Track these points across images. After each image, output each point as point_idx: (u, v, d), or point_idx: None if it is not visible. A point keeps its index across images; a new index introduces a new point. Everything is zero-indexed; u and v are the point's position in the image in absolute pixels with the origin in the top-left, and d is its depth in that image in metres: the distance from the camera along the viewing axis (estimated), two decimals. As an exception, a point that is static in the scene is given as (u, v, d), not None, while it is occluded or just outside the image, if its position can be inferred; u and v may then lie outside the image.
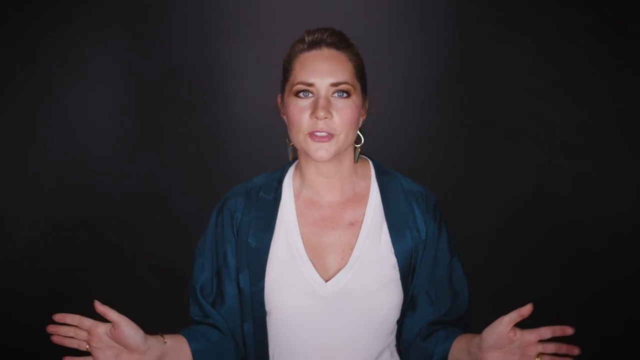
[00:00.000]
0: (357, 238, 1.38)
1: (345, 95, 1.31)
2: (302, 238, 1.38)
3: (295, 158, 1.44)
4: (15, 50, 2.66)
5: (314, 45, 1.34)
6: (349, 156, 1.39)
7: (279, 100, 1.41)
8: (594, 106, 2.67)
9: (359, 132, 1.38)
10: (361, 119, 1.38)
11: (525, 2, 2.64)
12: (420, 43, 2.68)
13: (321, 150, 1.30)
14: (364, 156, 1.46)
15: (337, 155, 1.34)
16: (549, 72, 2.65)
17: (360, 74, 1.36)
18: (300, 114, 1.31)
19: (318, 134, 1.30)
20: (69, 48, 2.68)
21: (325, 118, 1.29)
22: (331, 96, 1.31)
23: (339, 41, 1.34)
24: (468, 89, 2.69)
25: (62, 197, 2.73)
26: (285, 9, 2.65)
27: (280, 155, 1.46)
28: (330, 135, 1.30)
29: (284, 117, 1.38)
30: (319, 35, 1.34)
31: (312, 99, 1.31)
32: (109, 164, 2.74)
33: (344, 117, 1.30)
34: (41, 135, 2.70)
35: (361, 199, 1.41)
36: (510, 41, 2.65)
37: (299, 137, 1.32)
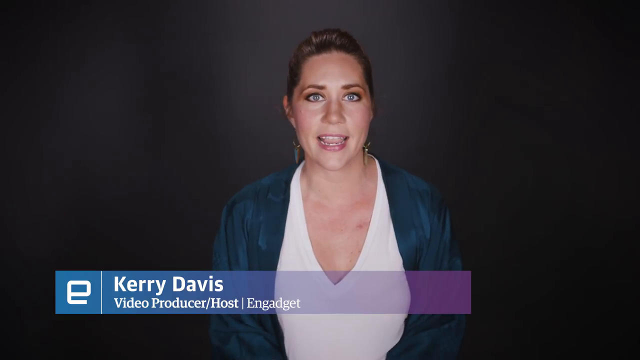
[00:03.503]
0: (365, 240, 1.38)
1: (356, 98, 1.31)
2: (311, 241, 1.38)
3: (302, 159, 1.43)
4: (15, 50, 2.65)
5: (323, 48, 1.32)
6: (357, 159, 1.39)
7: (284, 102, 1.40)
8: (595, 106, 2.67)
9: None
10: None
11: (528, 3, 2.64)
12: (422, 42, 2.68)
13: (333, 160, 1.30)
14: (370, 155, 1.46)
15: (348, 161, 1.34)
16: (552, 71, 2.65)
17: (369, 76, 1.35)
18: (311, 118, 1.30)
19: (330, 138, 1.29)
20: (69, 48, 2.67)
21: (338, 122, 1.28)
22: (342, 99, 1.30)
23: (348, 43, 1.33)
24: (470, 88, 2.69)
25: (63, 198, 2.72)
26: (286, 8, 2.65)
27: (285, 154, 1.46)
28: (342, 145, 1.30)
29: (291, 120, 1.37)
30: (327, 37, 1.33)
31: (323, 102, 1.30)
32: (111, 164, 2.73)
33: (356, 120, 1.30)
34: (42, 135, 2.69)
35: (368, 200, 1.41)
36: (512, 41, 2.65)
37: (310, 142, 1.32)
